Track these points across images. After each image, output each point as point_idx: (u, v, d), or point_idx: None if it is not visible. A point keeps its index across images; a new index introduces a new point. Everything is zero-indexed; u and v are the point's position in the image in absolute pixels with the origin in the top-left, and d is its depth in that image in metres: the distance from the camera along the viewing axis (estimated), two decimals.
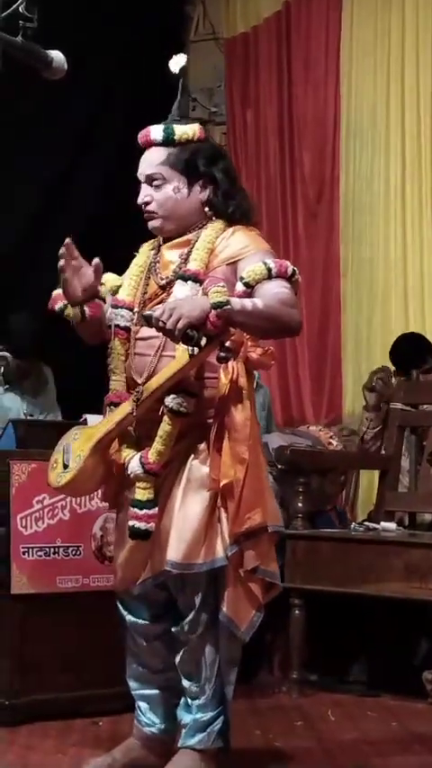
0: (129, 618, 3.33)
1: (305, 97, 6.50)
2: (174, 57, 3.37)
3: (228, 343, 3.03)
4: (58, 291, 3.24)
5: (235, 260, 3.19)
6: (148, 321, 3.01)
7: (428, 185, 6.06)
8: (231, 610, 3.14)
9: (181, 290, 3.17)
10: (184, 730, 3.24)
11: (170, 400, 3.11)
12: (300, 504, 4.81)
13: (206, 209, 3.27)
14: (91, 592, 4.11)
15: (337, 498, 5.50)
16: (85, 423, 3.74)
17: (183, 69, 3.36)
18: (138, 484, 3.15)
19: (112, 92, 6.53)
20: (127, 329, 3.26)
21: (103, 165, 6.23)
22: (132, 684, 3.39)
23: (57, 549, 4.10)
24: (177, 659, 3.23)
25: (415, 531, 5.09)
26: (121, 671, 3.42)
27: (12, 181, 5.70)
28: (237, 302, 2.99)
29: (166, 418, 3.11)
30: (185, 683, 3.22)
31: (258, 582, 3.18)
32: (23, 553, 4.03)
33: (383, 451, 5.35)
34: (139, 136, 3.31)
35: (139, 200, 3.29)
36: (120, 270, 3.38)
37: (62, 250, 3.14)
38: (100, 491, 3.46)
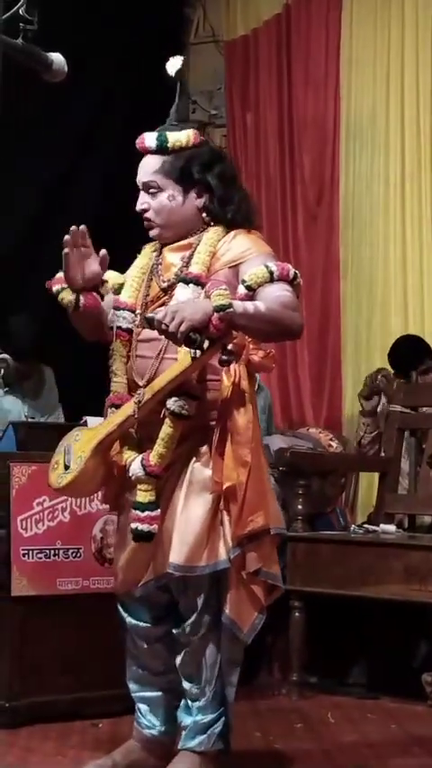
0: (129, 620, 3.33)
1: (305, 99, 6.50)
2: (170, 59, 3.36)
3: (230, 346, 3.03)
4: (60, 274, 3.25)
5: (236, 263, 3.19)
6: (151, 324, 3.01)
7: (428, 187, 6.05)
8: (234, 612, 3.15)
9: (183, 292, 3.17)
10: (184, 732, 3.24)
11: (172, 403, 3.11)
12: (300, 507, 4.81)
13: (204, 215, 3.28)
14: (91, 594, 4.11)
15: (337, 500, 5.50)
16: (85, 425, 3.74)
17: (179, 72, 3.34)
18: (139, 486, 3.15)
19: (113, 94, 6.52)
20: (129, 331, 3.26)
21: (102, 167, 6.23)
22: (132, 687, 3.39)
23: (57, 551, 4.10)
24: (178, 661, 3.23)
25: (414, 534, 5.09)
26: (121, 673, 3.42)
27: (12, 183, 5.70)
28: (239, 305, 2.99)
29: (167, 421, 3.11)
30: (186, 684, 3.22)
31: (260, 584, 3.19)
32: (23, 555, 4.03)
33: (383, 454, 5.35)
34: (136, 142, 3.31)
35: (137, 208, 3.30)
36: (120, 271, 3.39)
37: (67, 237, 3.15)
38: (100, 493, 3.47)
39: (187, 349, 3.01)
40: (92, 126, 6.39)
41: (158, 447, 3.12)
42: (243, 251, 3.20)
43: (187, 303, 3.03)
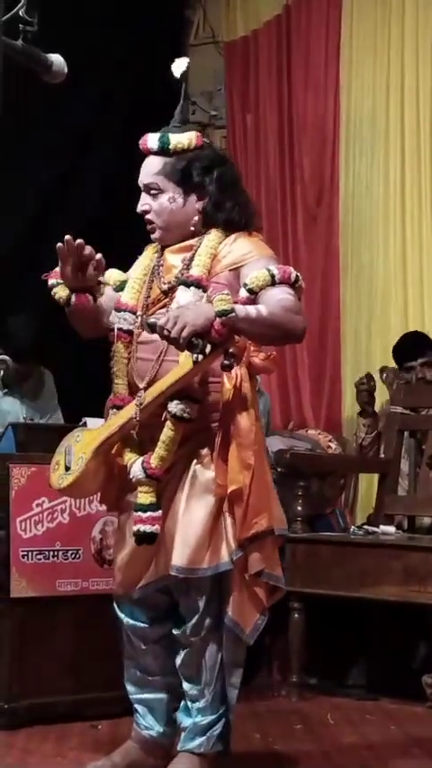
0: (127, 620, 3.32)
1: (305, 100, 6.49)
2: (176, 60, 3.35)
3: (232, 350, 3.01)
4: (58, 268, 3.25)
5: (238, 266, 3.19)
6: (153, 329, 3.00)
7: (428, 187, 6.04)
8: (237, 613, 3.15)
9: (183, 295, 3.16)
10: (183, 733, 3.23)
11: (173, 406, 3.10)
12: (299, 508, 4.80)
13: (202, 218, 3.27)
14: (90, 595, 4.11)
15: (337, 502, 5.50)
16: (85, 426, 3.73)
17: (184, 74, 3.35)
18: (140, 488, 3.14)
19: (112, 95, 6.52)
20: (130, 332, 3.26)
21: (102, 167, 6.23)
22: (130, 689, 3.39)
23: (56, 553, 4.10)
24: (178, 662, 3.23)
25: (414, 535, 5.09)
26: (120, 674, 3.42)
27: (11, 183, 5.69)
28: (241, 310, 2.99)
29: (168, 423, 3.11)
30: (186, 685, 3.22)
31: (263, 585, 3.19)
32: (23, 556, 4.02)
33: (383, 455, 5.35)
34: (139, 142, 3.31)
35: (138, 209, 3.30)
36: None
37: (60, 245, 3.14)
38: (99, 494, 3.46)
39: (189, 354, 3.00)
40: (91, 127, 6.39)
41: (159, 450, 3.12)
42: (244, 254, 3.20)
43: (189, 308, 3.02)
